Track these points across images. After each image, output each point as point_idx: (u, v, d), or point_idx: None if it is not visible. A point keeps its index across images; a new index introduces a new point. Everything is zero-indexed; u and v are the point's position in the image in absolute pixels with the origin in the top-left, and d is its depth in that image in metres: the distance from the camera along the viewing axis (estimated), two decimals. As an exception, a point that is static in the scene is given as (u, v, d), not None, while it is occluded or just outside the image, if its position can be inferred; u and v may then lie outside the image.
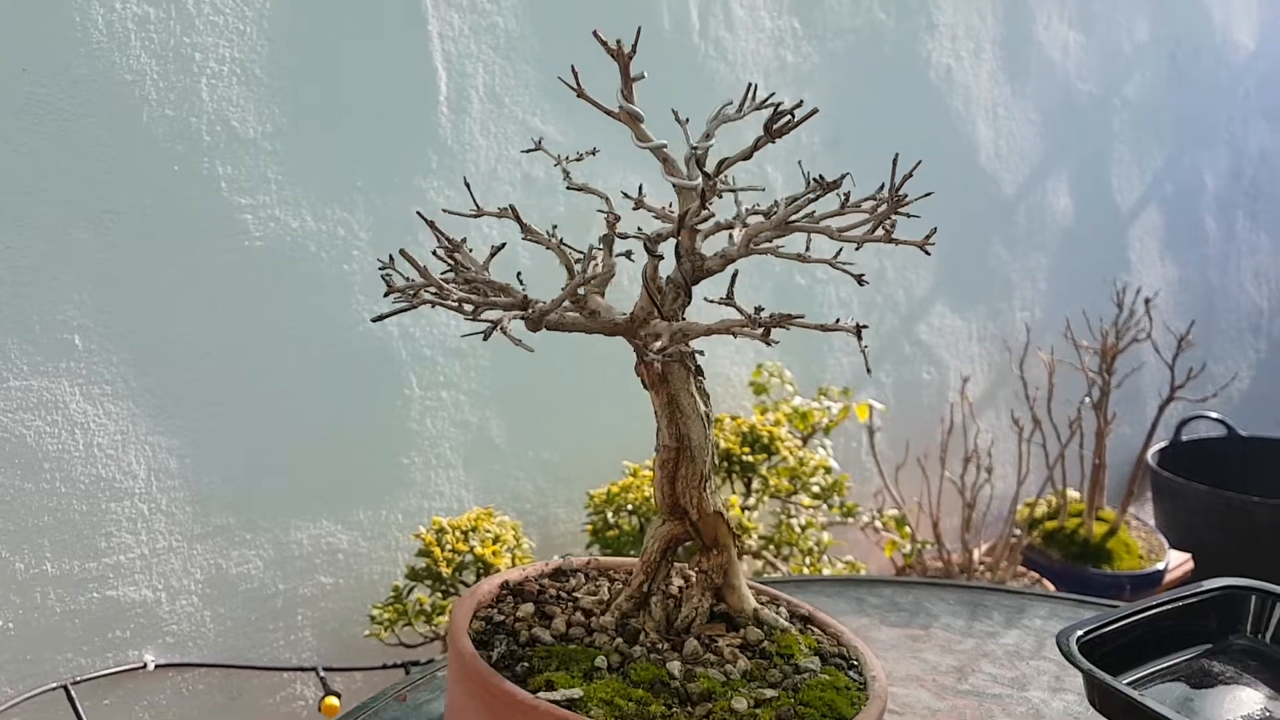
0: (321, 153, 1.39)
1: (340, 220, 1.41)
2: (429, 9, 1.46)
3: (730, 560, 0.71)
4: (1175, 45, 2.94)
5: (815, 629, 0.74)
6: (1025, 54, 2.48)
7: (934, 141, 2.30)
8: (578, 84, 0.65)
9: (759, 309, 0.60)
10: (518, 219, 0.66)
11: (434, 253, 0.64)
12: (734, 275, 0.64)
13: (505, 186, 1.56)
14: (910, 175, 0.63)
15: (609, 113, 0.66)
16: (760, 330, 0.59)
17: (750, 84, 0.71)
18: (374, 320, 0.58)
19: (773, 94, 0.69)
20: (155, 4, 1.23)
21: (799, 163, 0.69)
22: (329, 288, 1.42)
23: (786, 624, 0.72)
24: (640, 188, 0.74)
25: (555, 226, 0.70)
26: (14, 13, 1.14)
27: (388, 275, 0.63)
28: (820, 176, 0.61)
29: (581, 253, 0.69)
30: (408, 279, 0.63)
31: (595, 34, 0.60)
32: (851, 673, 0.69)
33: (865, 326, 0.60)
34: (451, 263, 0.64)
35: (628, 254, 0.68)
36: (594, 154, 0.76)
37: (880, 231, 0.64)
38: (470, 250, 0.66)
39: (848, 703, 0.64)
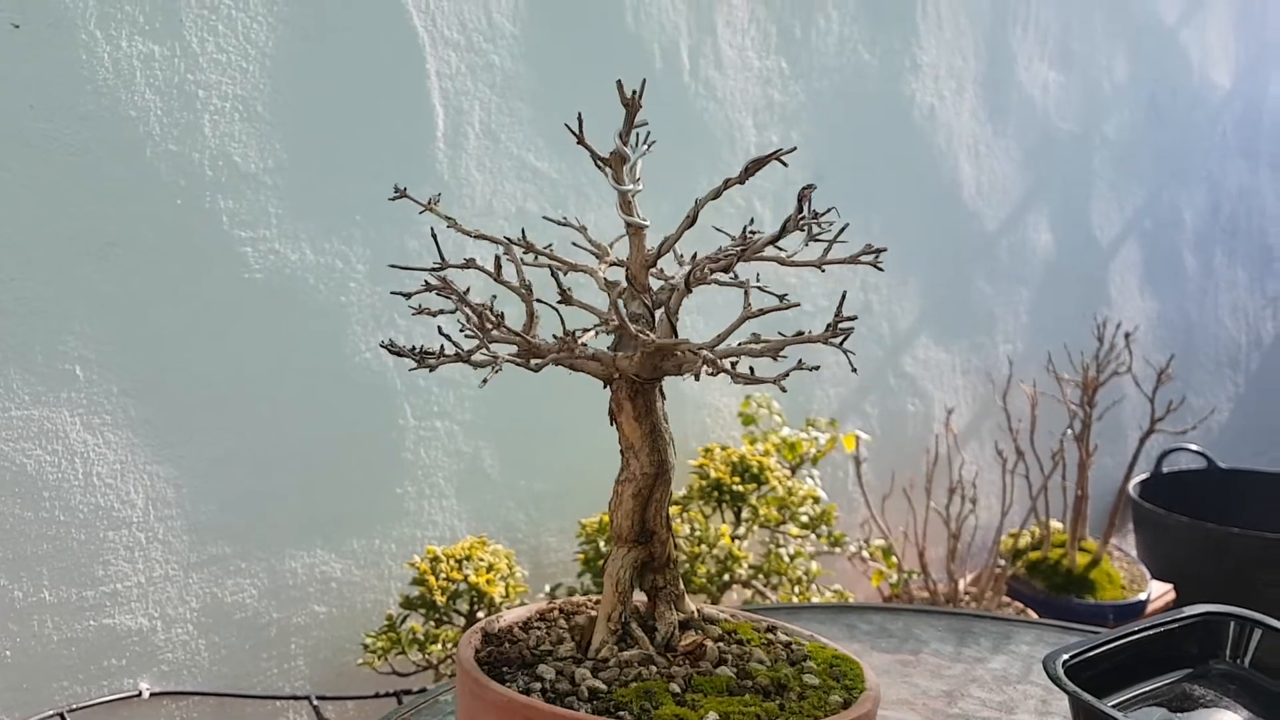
0: (321, 187, 1.41)
1: (338, 253, 1.44)
2: (427, 48, 1.49)
3: (678, 572, 0.75)
4: (1154, 85, 3.01)
5: (729, 616, 0.79)
6: (1006, 93, 2.53)
7: (918, 178, 2.34)
8: (580, 131, 0.68)
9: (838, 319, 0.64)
10: (498, 269, 0.69)
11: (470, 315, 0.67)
12: (844, 295, 0.67)
13: (500, 220, 1.59)
14: (808, 194, 0.65)
15: (601, 158, 0.69)
16: (760, 348, 0.63)
17: (644, 129, 0.72)
18: (431, 369, 0.61)
19: (652, 141, 0.71)
20: (160, 42, 1.26)
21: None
22: (326, 319, 1.44)
23: (726, 616, 0.77)
24: (524, 237, 0.77)
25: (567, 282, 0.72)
26: (22, 50, 1.16)
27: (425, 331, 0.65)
28: (805, 214, 0.64)
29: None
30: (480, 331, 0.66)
31: (619, 85, 0.63)
32: (800, 638, 0.75)
33: (855, 317, 0.64)
34: (477, 324, 0.67)
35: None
36: (440, 197, 0.80)
37: (838, 254, 0.67)
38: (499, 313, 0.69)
39: (847, 657, 0.72)
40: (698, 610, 0.76)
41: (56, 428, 1.24)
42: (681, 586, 0.75)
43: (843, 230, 0.66)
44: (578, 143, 0.69)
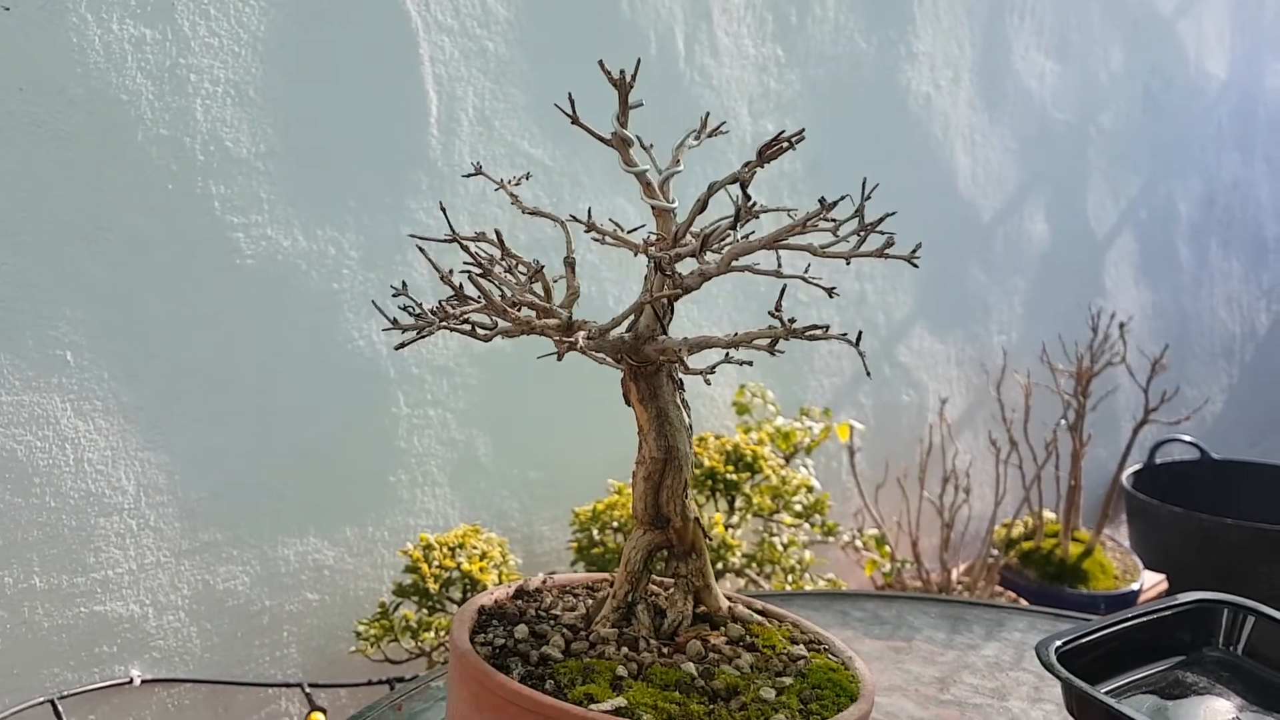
0: (313, 173, 1.41)
1: (331, 239, 1.43)
2: (420, 32, 1.48)
3: (706, 563, 0.74)
4: (1149, 76, 3.01)
5: (775, 621, 0.77)
6: (1003, 83, 2.53)
7: (914, 168, 2.34)
8: (573, 111, 0.67)
9: (792, 319, 0.63)
10: (501, 244, 0.68)
11: (483, 275, 0.66)
12: (783, 288, 0.66)
13: (494, 209, 1.58)
14: (869, 196, 0.65)
15: (601, 139, 0.68)
16: (769, 342, 0.62)
17: (706, 113, 0.73)
18: (397, 348, 0.60)
19: (723, 123, 0.71)
20: (152, 25, 1.25)
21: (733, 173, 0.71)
22: (319, 306, 1.43)
23: (760, 618, 0.75)
24: (589, 211, 0.76)
25: (571, 261, 0.72)
26: (12, 33, 1.15)
27: (401, 303, 0.65)
28: (823, 199, 0.64)
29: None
30: (441, 302, 0.64)
31: (600, 64, 0.63)
32: (830, 655, 0.72)
33: (843, 337, 0.64)
34: (453, 288, 0.65)
35: (668, 272, 0.69)
36: (528, 178, 0.78)
37: (868, 248, 0.66)
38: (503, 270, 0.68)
39: (848, 679, 0.68)
40: (730, 606, 0.74)
41: (47, 413, 1.23)
42: (707, 580, 0.74)
43: (884, 219, 0.65)
44: (572, 123, 0.68)
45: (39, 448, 1.23)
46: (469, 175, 0.77)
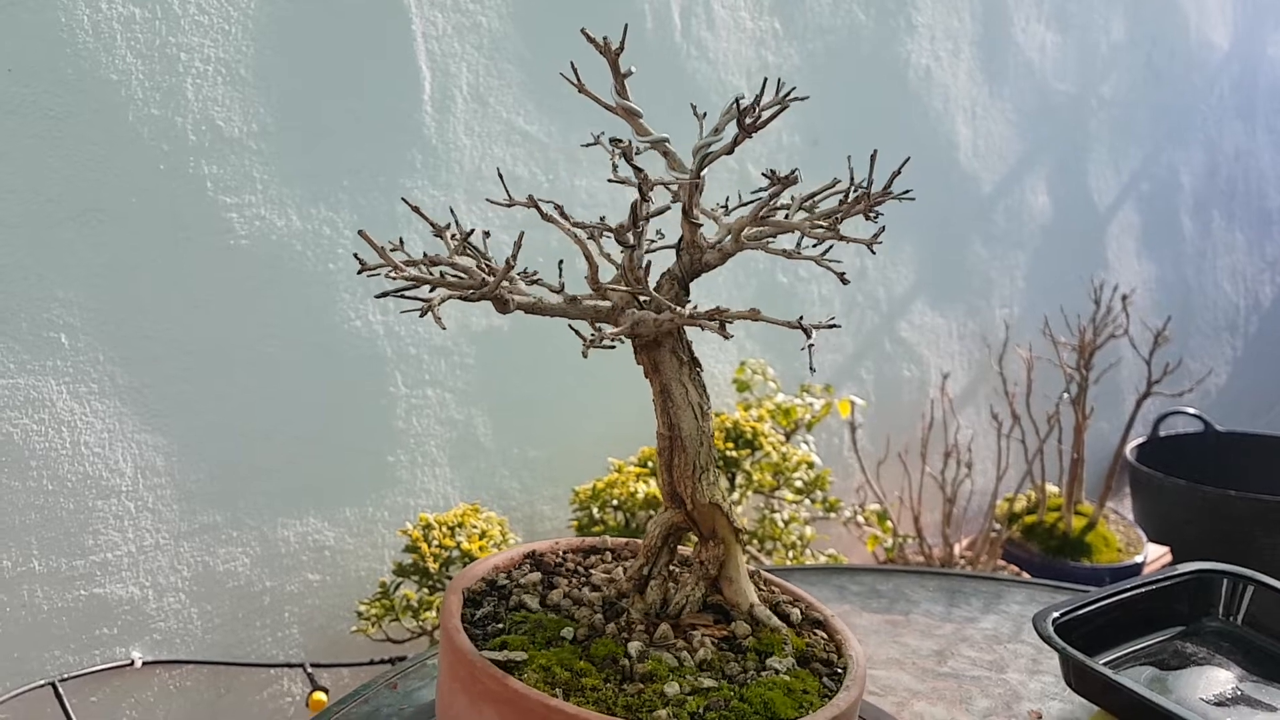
0: (306, 152, 1.40)
1: (325, 219, 1.42)
2: (412, 8, 1.47)
3: (728, 554, 0.71)
4: (1151, 46, 2.98)
5: (821, 634, 0.73)
6: (1003, 54, 2.51)
7: (914, 141, 2.32)
8: (578, 79, 0.66)
9: (694, 304, 0.63)
10: (537, 208, 0.67)
11: (437, 235, 0.66)
12: (649, 271, 0.65)
13: (490, 186, 1.57)
14: (899, 172, 0.65)
15: (608, 108, 0.67)
16: (715, 324, 0.61)
17: (765, 79, 0.71)
18: (377, 297, 0.60)
19: (793, 88, 0.68)
20: (141, 4, 1.24)
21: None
22: (314, 286, 1.42)
23: (779, 623, 0.71)
24: (646, 187, 0.74)
25: (603, 218, 0.72)
26: None
27: (376, 259, 0.65)
28: (771, 170, 0.63)
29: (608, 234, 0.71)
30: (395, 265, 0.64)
31: (583, 31, 0.62)
32: (827, 680, 0.66)
33: (837, 325, 0.62)
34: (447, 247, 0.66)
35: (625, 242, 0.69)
36: (667, 141, 0.75)
37: (841, 227, 0.66)
38: (454, 238, 0.67)
39: (793, 705, 0.62)
40: (751, 605, 0.72)
41: (43, 396, 1.23)
42: (728, 571, 0.71)
43: (886, 197, 0.65)
44: (579, 91, 0.67)
45: (35, 431, 1.23)
46: (587, 145, 0.76)
